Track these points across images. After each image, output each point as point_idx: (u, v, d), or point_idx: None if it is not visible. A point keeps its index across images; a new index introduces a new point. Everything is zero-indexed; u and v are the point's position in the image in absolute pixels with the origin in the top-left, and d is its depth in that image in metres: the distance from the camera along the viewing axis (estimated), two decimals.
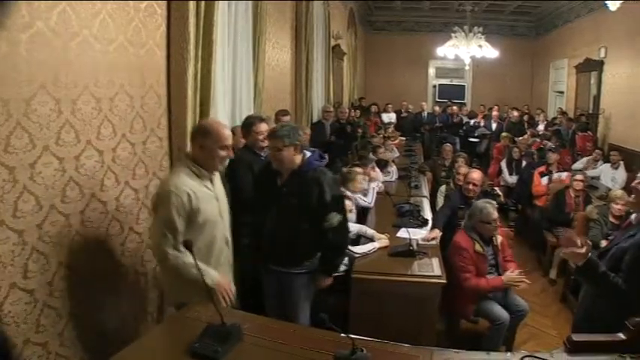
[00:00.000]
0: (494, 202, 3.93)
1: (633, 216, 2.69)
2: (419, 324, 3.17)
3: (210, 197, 2.56)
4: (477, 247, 3.74)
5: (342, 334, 1.92)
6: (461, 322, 3.96)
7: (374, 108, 11.52)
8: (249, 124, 3.69)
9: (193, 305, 2.29)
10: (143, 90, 2.96)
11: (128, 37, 2.79)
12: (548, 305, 4.84)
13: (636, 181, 2.56)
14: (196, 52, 3.19)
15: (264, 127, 3.62)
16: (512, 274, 3.66)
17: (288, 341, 2.04)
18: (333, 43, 8.96)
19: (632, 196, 2.61)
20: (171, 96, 3.20)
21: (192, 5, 3.08)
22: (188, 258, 2.28)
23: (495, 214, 3.78)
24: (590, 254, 2.30)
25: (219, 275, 2.53)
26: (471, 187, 4.55)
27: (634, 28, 8.13)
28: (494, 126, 11.35)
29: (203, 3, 3.21)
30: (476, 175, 4.67)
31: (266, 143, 3.42)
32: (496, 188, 5.83)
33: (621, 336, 2.00)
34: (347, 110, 8.98)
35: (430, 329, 3.26)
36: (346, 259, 3.74)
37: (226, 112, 4.25)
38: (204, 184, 2.54)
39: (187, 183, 2.44)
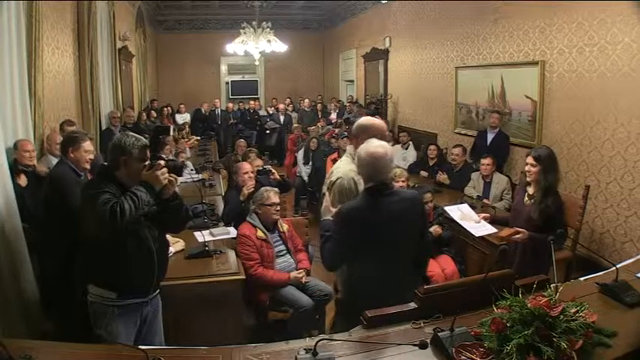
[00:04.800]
0: (277, 189, 4.07)
1: None
2: (226, 323, 3.21)
3: None
4: (260, 233, 3.77)
5: (139, 347, 1.88)
6: (272, 313, 3.88)
7: (166, 110, 11.38)
8: (76, 140, 3.38)
9: None
10: None
11: None
12: None
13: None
14: None
15: (92, 146, 3.48)
16: (297, 274, 3.78)
17: None
18: (120, 45, 8.61)
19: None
20: None
21: None
22: None
23: (275, 199, 3.87)
24: None
25: None
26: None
27: (414, 19, 8.99)
28: (282, 118, 11.97)
29: None
30: (259, 163, 4.89)
31: (89, 165, 3.40)
32: (268, 166, 5.39)
33: (413, 305, 2.19)
34: (133, 113, 8.83)
35: (238, 326, 3.30)
36: None
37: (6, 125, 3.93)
38: None
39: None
